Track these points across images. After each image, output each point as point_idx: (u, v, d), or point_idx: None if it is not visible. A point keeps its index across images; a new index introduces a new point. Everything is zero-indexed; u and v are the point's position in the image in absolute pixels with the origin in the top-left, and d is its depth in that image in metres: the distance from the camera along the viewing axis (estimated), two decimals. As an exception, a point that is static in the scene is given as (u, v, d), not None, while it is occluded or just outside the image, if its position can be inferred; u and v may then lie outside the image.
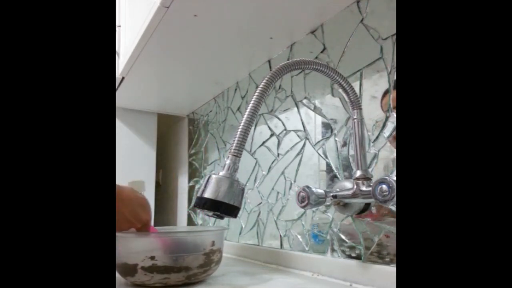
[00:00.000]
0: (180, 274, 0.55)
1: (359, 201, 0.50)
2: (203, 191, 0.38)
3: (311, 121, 0.70)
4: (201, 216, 1.17)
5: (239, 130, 0.39)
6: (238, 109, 0.98)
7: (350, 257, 0.57)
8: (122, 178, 1.11)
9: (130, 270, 0.55)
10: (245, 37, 0.73)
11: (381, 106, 0.54)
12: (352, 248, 0.57)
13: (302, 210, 0.68)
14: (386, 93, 0.54)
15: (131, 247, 0.57)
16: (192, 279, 0.56)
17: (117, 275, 0.58)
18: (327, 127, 0.65)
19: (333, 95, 0.64)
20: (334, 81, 0.49)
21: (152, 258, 0.54)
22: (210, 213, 0.40)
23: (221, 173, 0.39)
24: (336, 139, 0.62)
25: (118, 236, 0.57)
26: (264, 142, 0.83)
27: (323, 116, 0.66)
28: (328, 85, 0.65)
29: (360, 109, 0.51)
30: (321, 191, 0.52)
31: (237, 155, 0.39)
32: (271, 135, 0.81)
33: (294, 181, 0.72)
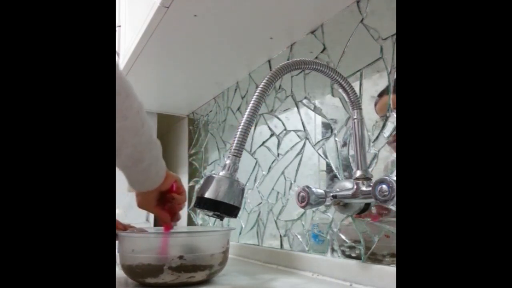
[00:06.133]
0: (204, 272, 0.55)
1: (359, 201, 0.50)
2: (203, 191, 0.38)
3: (311, 121, 0.69)
4: (201, 216, 1.17)
5: (239, 130, 0.39)
6: (238, 109, 0.98)
7: (350, 257, 0.57)
8: (122, 177, 1.10)
9: (154, 271, 0.53)
10: (245, 37, 0.73)
11: (376, 111, 0.54)
12: (352, 248, 0.57)
13: (302, 210, 0.68)
14: (380, 96, 0.54)
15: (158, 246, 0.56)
16: (211, 276, 0.57)
17: (127, 278, 0.58)
18: (327, 127, 0.65)
19: (333, 95, 0.64)
20: (334, 81, 0.49)
21: (181, 257, 0.53)
22: (210, 213, 0.40)
23: (221, 173, 0.39)
24: (336, 139, 0.62)
25: (140, 237, 0.57)
26: (264, 142, 0.83)
27: (323, 116, 0.66)
28: (328, 85, 0.65)
29: (360, 109, 0.51)
30: (321, 191, 0.52)
31: (237, 155, 0.39)
32: (271, 135, 0.81)
33: (294, 181, 0.72)
